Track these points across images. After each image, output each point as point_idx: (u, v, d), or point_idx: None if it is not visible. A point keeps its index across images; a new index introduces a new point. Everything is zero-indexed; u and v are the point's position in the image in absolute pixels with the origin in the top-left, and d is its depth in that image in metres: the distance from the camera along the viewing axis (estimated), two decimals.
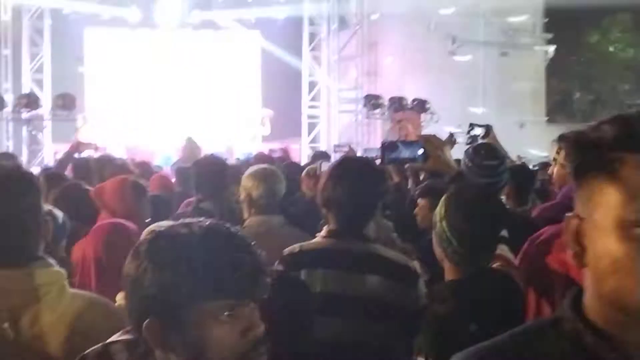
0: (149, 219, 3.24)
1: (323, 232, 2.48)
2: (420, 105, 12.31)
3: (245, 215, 3.35)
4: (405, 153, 3.03)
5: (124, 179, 3.48)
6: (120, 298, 1.98)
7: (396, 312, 2.34)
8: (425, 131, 12.02)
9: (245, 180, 3.36)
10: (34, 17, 14.66)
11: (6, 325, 1.67)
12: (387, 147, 3.08)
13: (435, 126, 11.54)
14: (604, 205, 0.95)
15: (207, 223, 1.32)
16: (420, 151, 2.89)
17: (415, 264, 2.52)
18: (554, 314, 1.08)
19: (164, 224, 1.53)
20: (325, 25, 15.47)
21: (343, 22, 14.16)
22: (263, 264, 1.33)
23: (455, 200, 2.24)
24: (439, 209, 2.26)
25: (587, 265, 0.99)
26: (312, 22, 15.87)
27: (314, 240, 2.50)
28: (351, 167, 2.54)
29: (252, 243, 1.33)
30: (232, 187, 3.90)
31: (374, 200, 2.49)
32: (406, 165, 3.32)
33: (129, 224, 3.01)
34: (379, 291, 2.34)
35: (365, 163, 2.69)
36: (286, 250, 2.44)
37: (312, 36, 15.95)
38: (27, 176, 1.89)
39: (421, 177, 4.46)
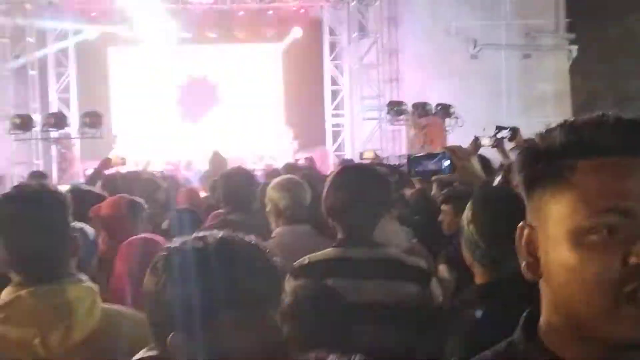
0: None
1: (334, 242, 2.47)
2: (444, 110, 12.21)
3: (273, 226, 3.36)
4: (431, 165, 3.02)
5: (119, 197, 3.49)
6: None
7: (409, 313, 2.32)
8: (451, 136, 11.96)
9: (271, 191, 3.38)
10: (58, 37, 14.93)
11: (37, 341, 1.68)
12: (413, 160, 3.07)
13: (460, 130, 11.46)
14: (555, 213, 0.91)
15: (220, 235, 1.34)
16: (447, 163, 2.87)
17: (425, 264, 2.49)
18: (507, 338, 1.03)
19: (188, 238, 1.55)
20: (346, 33, 15.52)
21: (363, 30, 14.17)
22: (280, 272, 1.34)
23: (482, 203, 2.23)
24: (466, 213, 2.24)
25: (541, 276, 0.96)
26: (332, 32, 15.94)
27: (323, 251, 2.48)
28: (351, 174, 2.54)
29: (268, 252, 1.35)
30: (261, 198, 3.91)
31: (377, 206, 2.48)
32: (433, 178, 3.30)
33: (159, 239, 3.03)
34: (387, 295, 2.32)
35: (365, 169, 2.69)
36: (296, 263, 2.42)
37: (333, 45, 16.00)
38: (55, 194, 1.92)
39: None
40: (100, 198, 3.77)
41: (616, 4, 16.90)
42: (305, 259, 2.39)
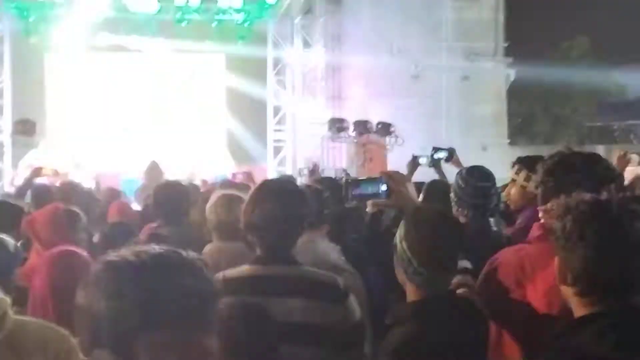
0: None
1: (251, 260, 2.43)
2: (385, 129, 12.38)
3: (212, 240, 3.31)
4: (368, 189, 3.04)
5: (56, 207, 3.40)
6: None
7: (324, 332, 2.29)
8: (390, 154, 12.09)
9: (208, 206, 3.34)
10: None
11: None
12: (351, 183, 3.09)
13: (399, 149, 11.61)
14: None
15: (156, 250, 1.29)
16: (384, 187, 2.90)
17: (342, 281, 2.44)
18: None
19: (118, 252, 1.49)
20: (290, 48, 15.56)
21: (307, 46, 14.23)
22: (215, 291, 1.29)
23: (414, 221, 2.24)
24: (399, 230, 2.25)
25: None
26: (275, 46, 15.94)
27: (239, 267, 2.43)
28: (270, 189, 2.49)
29: (204, 269, 1.30)
30: (193, 212, 3.85)
31: (296, 223, 2.44)
32: (368, 202, 3.33)
33: (81, 252, 2.94)
34: (302, 313, 2.29)
35: (285, 184, 2.68)
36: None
37: (276, 60, 16.00)
38: None
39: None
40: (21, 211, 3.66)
41: (553, 30, 17.50)
42: (219, 275, 2.30)
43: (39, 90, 14.86)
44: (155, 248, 1.30)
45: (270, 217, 2.37)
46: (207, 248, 3.22)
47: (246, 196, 3.48)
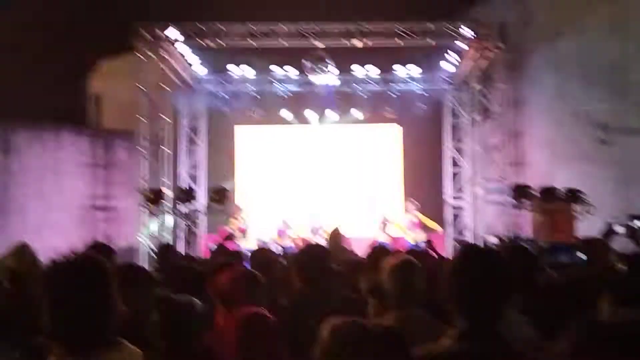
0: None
1: (452, 332, 2.30)
2: (574, 196, 11.63)
3: (370, 307, 3.29)
4: (562, 257, 2.86)
5: (238, 269, 3.54)
6: None
7: None
8: (580, 223, 11.35)
9: (387, 272, 3.31)
10: (191, 117, 15.92)
11: None
12: (545, 250, 2.93)
13: (590, 217, 10.91)
14: None
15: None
16: (582, 256, 2.68)
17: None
18: None
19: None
20: (468, 115, 15.45)
21: (486, 112, 14.02)
22: None
23: None
24: None
25: None
26: (454, 114, 15.93)
27: (442, 342, 2.29)
28: (477, 256, 2.36)
29: None
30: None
31: (502, 294, 2.29)
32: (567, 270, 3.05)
33: (268, 314, 3.03)
34: None
35: (490, 252, 2.52)
36: (415, 354, 2.21)
37: (454, 126, 15.96)
38: (98, 264, 1.99)
39: None
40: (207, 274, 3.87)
41: None
42: (426, 353, 2.21)
43: (230, 160, 15.97)
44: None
45: (478, 286, 2.26)
46: (390, 316, 3.18)
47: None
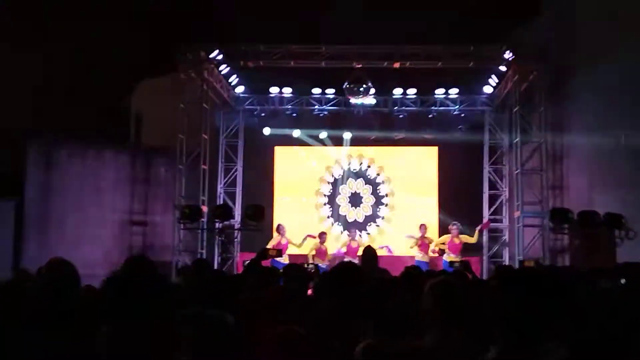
0: None
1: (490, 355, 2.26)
2: (615, 221, 11.37)
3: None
4: (604, 282, 2.78)
5: (277, 287, 3.55)
6: None
7: None
8: (620, 249, 11.09)
9: (427, 293, 3.29)
10: (229, 135, 16.11)
11: None
12: (586, 275, 2.86)
13: (630, 243, 10.66)
14: None
15: None
16: (622, 281, 2.63)
17: None
18: None
19: None
20: (507, 137, 15.30)
21: (525, 135, 13.85)
22: None
23: None
24: None
25: None
26: (492, 136, 15.80)
27: None
28: (520, 278, 2.34)
29: None
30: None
31: (539, 318, 2.25)
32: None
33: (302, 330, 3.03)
34: None
35: (538, 273, 2.46)
36: None
37: (492, 149, 15.82)
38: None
39: None
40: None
41: None
42: None
43: (268, 180, 16.07)
44: None
45: (525, 309, 2.24)
46: (430, 336, 3.14)
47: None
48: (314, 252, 13.13)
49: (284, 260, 11.91)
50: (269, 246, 12.14)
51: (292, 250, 13.34)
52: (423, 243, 13.23)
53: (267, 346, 2.98)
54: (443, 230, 14.31)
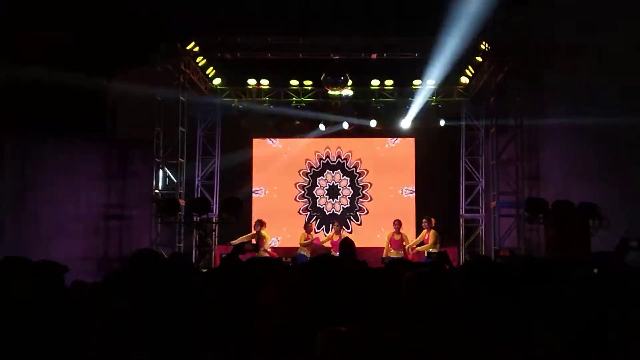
0: None
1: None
2: (588, 210, 11.51)
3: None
4: (577, 272, 2.84)
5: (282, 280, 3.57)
6: None
7: None
8: (594, 238, 11.21)
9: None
10: (207, 127, 16.03)
11: None
12: (560, 264, 2.90)
13: (605, 232, 10.80)
14: None
15: None
16: (595, 270, 2.70)
17: None
18: None
19: None
20: (483, 129, 15.41)
21: (501, 126, 13.96)
22: None
23: None
24: None
25: None
26: (468, 127, 15.90)
27: None
28: (481, 270, 2.36)
29: None
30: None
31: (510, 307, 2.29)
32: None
33: None
34: None
35: (496, 266, 2.49)
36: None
37: (469, 140, 15.92)
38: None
39: None
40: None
41: None
42: None
43: (246, 172, 16.01)
44: None
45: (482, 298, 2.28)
46: (414, 327, 3.16)
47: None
48: (304, 243, 13.27)
49: (262, 253, 11.93)
50: (246, 240, 12.20)
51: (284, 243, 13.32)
52: (394, 239, 13.13)
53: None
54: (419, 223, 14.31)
